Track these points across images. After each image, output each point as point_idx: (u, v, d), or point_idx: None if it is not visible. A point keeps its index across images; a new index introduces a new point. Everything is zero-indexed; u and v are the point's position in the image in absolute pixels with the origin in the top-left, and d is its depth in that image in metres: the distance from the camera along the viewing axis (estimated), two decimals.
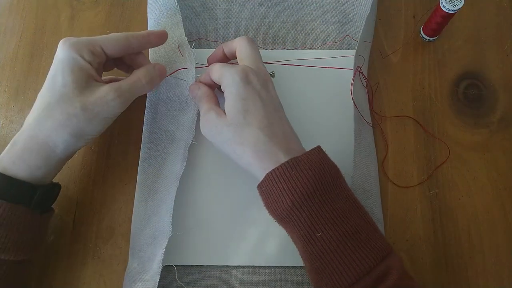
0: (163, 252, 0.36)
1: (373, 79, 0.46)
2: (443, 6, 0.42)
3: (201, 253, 0.40)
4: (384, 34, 0.48)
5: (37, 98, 0.36)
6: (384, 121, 0.45)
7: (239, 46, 0.40)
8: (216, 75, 0.39)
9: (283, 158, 0.34)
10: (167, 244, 0.39)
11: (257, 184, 0.35)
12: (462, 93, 0.46)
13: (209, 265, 0.40)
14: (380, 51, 0.48)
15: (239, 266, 0.40)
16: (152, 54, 0.46)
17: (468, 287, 0.40)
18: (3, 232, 0.33)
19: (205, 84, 0.41)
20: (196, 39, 0.47)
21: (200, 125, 0.39)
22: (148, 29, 0.47)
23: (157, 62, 0.40)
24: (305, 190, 0.32)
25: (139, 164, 0.42)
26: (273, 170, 0.34)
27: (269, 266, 0.40)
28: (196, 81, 0.42)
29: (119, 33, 0.39)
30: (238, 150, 0.36)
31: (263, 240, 0.40)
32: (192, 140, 0.41)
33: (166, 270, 0.39)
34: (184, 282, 0.39)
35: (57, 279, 0.39)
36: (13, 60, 0.47)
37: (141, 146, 0.43)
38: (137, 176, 0.42)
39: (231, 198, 0.41)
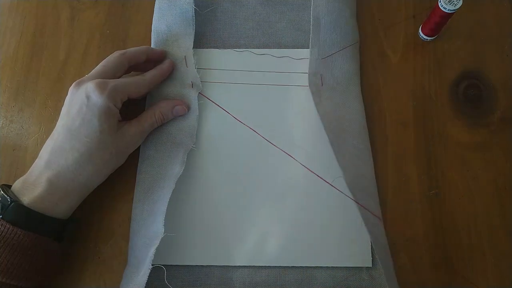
0: (154, 253, 0.36)
1: (373, 79, 0.46)
2: (442, 6, 0.42)
3: (201, 253, 0.40)
4: (384, 34, 0.48)
5: (71, 136, 0.36)
6: (384, 121, 0.45)
7: None
8: None
9: None
10: (167, 244, 0.39)
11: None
12: (462, 93, 0.46)
13: (209, 265, 0.40)
14: (380, 51, 0.48)
15: (239, 266, 0.40)
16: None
17: (468, 287, 0.40)
18: (29, 263, 0.34)
19: None
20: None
21: None
22: (153, 32, 0.47)
23: (177, 103, 0.43)
24: None
25: (138, 164, 0.42)
26: None
27: (269, 266, 0.40)
28: None
29: (142, 79, 0.41)
30: None
31: (263, 240, 0.40)
32: (193, 146, 0.41)
33: (166, 270, 0.39)
34: (185, 282, 0.39)
35: (57, 279, 0.39)
36: (13, 60, 0.47)
37: (141, 146, 0.43)
38: (136, 176, 0.42)
39: (231, 199, 0.41)
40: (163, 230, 0.36)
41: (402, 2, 0.50)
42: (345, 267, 0.39)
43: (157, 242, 0.36)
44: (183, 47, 0.45)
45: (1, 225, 0.33)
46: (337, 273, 0.39)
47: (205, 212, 0.41)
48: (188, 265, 0.40)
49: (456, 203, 0.42)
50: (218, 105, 0.44)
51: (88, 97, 0.36)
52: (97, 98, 0.36)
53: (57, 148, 0.36)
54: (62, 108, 0.38)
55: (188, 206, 0.41)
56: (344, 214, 0.41)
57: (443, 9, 0.42)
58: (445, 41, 0.48)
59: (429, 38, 0.47)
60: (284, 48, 0.47)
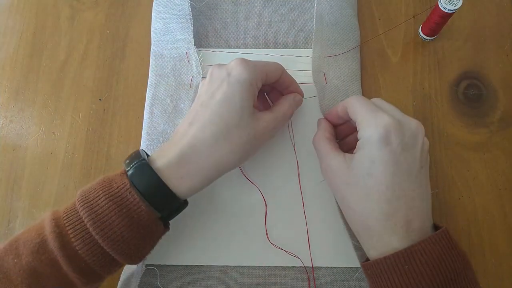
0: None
1: (373, 79, 0.46)
2: (442, 5, 0.42)
3: (201, 253, 0.40)
4: (384, 34, 0.48)
5: (211, 112, 0.34)
6: None
7: (351, 105, 0.35)
8: (354, 116, 0.35)
9: (396, 243, 0.31)
10: (167, 244, 0.39)
11: (362, 261, 0.34)
12: (462, 93, 0.46)
13: (209, 265, 0.40)
14: (380, 51, 0.48)
15: (239, 266, 0.40)
16: (158, 57, 0.46)
17: None
18: (136, 242, 0.32)
19: (331, 116, 0.39)
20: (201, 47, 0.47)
21: (321, 166, 0.37)
22: (152, 31, 0.47)
23: (295, 93, 0.40)
24: None
25: None
26: (383, 258, 0.30)
27: (269, 266, 0.40)
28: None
29: (277, 64, 0.38)
30: (349, 213, 0.34)
31: (263, 240, 0.40)
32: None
33: (165, 272, 0.39)
34: (185, 282, 0.39)
35: None
36: (13, 60, 0.47)
37: (141, 146, 0.43)
38: None
39: (231, 199, 0.41)
40: None
41: (402, 2, 0.50)
42: (345, 267, 0.39)
43: None
44: (183, 42, 0.45)
45: (130, 194, 0.31)
46: (337, 273, 0.39)
47: (205, 212, 0.41)
48: (188, 265, 0.40)
49: (456, 203, 0.42)
50: None
51: (229, 74, 0.34)
52: (239, 73, 0.34)
53: (195, 122, 0.34)
54: (199, 89, 0.37)
55: (188, 206, 0.41)
56: None
57: (443, 9, 0.42)
58: (445, 41, 0.48)
59: (429, 38, 0.47)
60: (284, 48, 0.47)
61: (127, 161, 0.34)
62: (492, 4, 0.49)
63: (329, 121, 0.39)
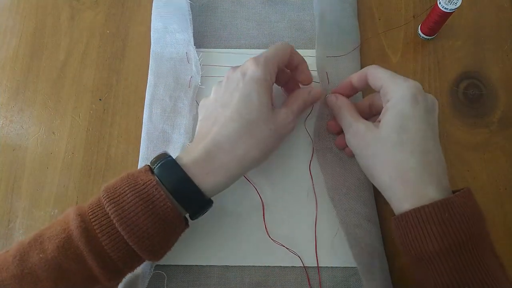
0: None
1: None
2: (441, 5, 0.42)
3: (201, 253, 0.40)
4: (384, 34, 0.48)
5: (230, 111, 0.35)
6: None
7: (374, 73, 0.38)
8: (378, 83, 0.37)
9: (433, 194, 0.32)
10: None
11: (394, 215, 0.34)
12: (462, 93, 0.46)
13: (209, 265, 0.40)
14: (380, 51, 0.48)
15: (238, 266, 0.40)
16: (158, 57, 0.46)
17: None
18: (159, 238, 0.32)
19: (344, 88, 0.40)
20: (201, 47, 0.47)
21: (347, 137, 0.38)
22: (152, 31, 0.47)
23: (312, 88, 0.40)
24: (456, 239, 0.30)
25: (138, 164, 0.42)
26: (423, 207, 0.31)
27: (269, 266, 0.40)
28: (331, 92, 0.41)
29: (284, 46, 0.38)
30: (379, 168, 0.35)
31: (262, 240, 0.40)
32: (189, 144, 0.41)
33: (166, 273, 0.39)
34: (184, 282, 0.39)
35: None
36: (13, 60, 0.47)
37: (141, 145, 0.43)
38: None
39: (231, 199, 0.41)
40: None
41: (402, 2, 0.50)
42: (345, 267, 0.39)
43: None
44: (183, 42, 0.45)
45: (157, 191, 0.32)
46: (337, 273, 0.39)
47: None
48: (188, 265, 0.40)
49: None
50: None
51: (244, 74, 0.36)
52: (253, 72, 0.35)
53: (217, 121, 0.35)
54: (215, 91, 0.38)
55: None
56: None
57: (442, 8, 0.42)
58: (445, 41, 0.48)
59: (428, 37, 0.47)
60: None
61: (153, 159, 0.34)
62: (492, 4, 0.49)
63: (340, 93, 0.41)
